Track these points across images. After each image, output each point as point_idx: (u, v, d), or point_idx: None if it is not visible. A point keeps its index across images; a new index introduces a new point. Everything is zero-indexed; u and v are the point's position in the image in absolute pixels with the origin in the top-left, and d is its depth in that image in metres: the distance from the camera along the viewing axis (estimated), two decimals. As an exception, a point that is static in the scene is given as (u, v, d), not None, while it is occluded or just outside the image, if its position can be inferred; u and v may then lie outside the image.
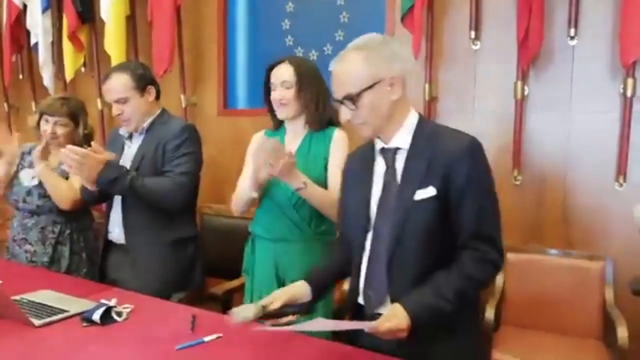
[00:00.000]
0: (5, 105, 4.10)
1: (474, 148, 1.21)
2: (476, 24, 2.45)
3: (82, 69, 3.61)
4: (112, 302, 1.47)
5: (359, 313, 1.31)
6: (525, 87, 2.37)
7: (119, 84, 1.88)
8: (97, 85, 3.42)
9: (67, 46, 3.47)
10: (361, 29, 2.78)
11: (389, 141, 1.27)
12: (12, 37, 3.70)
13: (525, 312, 2.29)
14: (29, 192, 2.16)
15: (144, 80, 1.92)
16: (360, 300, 1.31)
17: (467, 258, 1.19)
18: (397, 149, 1.26)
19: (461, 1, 2.48)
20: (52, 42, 3.64)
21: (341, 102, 1.24)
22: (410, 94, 2.57)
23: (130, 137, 1.99)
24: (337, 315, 1.72)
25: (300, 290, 1.32)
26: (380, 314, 1.20)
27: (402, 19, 2.44)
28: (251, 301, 1.79)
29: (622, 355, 1.96)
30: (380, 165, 1.30)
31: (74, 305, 1.52)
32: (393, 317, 1.13)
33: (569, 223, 2.35)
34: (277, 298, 1.27)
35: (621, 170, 2.22)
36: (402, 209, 1.21)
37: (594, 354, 2.08)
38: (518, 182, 2.42)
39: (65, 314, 1.45)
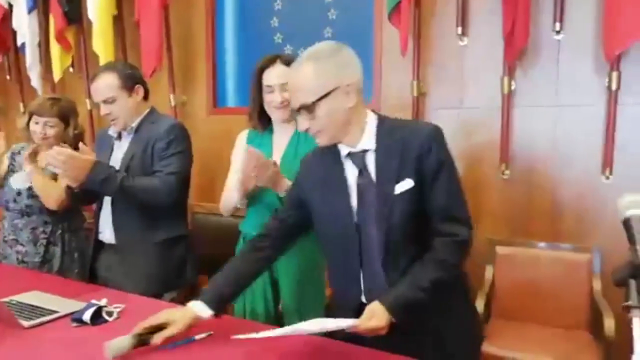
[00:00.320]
0: (-7, 106, 4.08)
1: (439, 134, 1.26)
2: (463, 20, 2.47)
3: (71, 69, 3.59)
4: (103, 302, 1.47)
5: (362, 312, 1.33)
6: (512, 82, 2.39)
7: (106, 84, 1.87)
8: (86, 86, 3.40)
9: (54, 46, 3.45)
10: (349, 26, 2.84)
11: (355, 145, 1.29)
12: (-2, 37, 3.68)
13: (515, 304, 2.32)
14: (18, 192, 2.16)
15: (132, 80, 1.91)
16: (363, 299, 1.33)
17: (439, 244, 1.24)
18: (365, 151, 1.29)
19: (448, -3, 2.49)
20: (39, 43, 3.61)
21: (298, 112, 1.25)
22: (398, 91, 2.63)
23: (119, 137, 1.98)
24: (328, 310, 1.74)
25: (178, 314, 1.29)
26: None
27: (389, 16, 2.45)
28: (243, 301, 1.80)
29: (610, 345, 1.99)
30: (350, 170, 1.31)
31: (64, 305, 1.51)
32: (371, 317, 1.17)
33: (556, 216, 2.38)
34: (147, 324, 1.26)
35: (607, 163, 2.25)
36: (385, 206, 1.25)
37: (582, 344, 2.11)
38: (506, 177, 2.45)
39: (55, 315, 1.45)
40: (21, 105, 3.84)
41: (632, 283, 0.81)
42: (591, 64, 2.27)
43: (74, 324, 1.41)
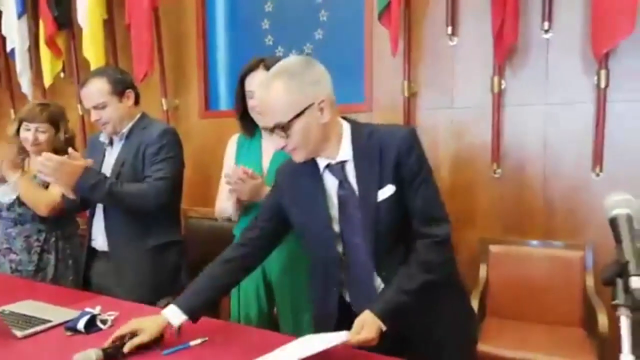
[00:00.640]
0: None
1: (414, 136, 1.26)
2: (453, 20, 2.48)
3: (62, 75, 3.57)
4: (97, 310, 1.47)
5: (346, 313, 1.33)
6: (502, 81, 2.41)
7: (96, 89, 1.86)
8: (77, 91, 3.38)
9: (44, 52, 3.43)
10: (340, 28, 2.84)
11: (334, 157, 1.29)
12: (-13, 43, 3.67)
13: (509, 302, 2.34)
14: (9, 203, 2.14)
15: (122, 85, 1.90)
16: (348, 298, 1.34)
17: (421, 246, 1.25)
18: (344, 161, 1.28)
19: (437, -2, 2.50)
20: (29, 48, 3.59)
21: (272, 131, 1.24)
22: (389, 91, 2.63)
23: (110, 143, 1.98)
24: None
25: (148, 322, 1.29)
26: None
27: (380, 16, 2.46)
28: (238, 306, 1.81)
29: (604, 341, 2.00)
30: (330, 181, 1.31)
31: (58, 314, 1.51)
32: (361, 329, 1.17)
33: (548, 213, 2.39)
34: (118, 334, 1.27)
35: (597, 160, 2.27)
36: (369, 214, 1.25)
37: (576, 341, 2.13)
38: (497, 175, 2.46)
39: (49, 324, 1.45)
40: (12, 112, 3.82)
41: (619, 282, 0.82)
42: (580, 62, 2.28)
43: (68, 333, 1.40)
